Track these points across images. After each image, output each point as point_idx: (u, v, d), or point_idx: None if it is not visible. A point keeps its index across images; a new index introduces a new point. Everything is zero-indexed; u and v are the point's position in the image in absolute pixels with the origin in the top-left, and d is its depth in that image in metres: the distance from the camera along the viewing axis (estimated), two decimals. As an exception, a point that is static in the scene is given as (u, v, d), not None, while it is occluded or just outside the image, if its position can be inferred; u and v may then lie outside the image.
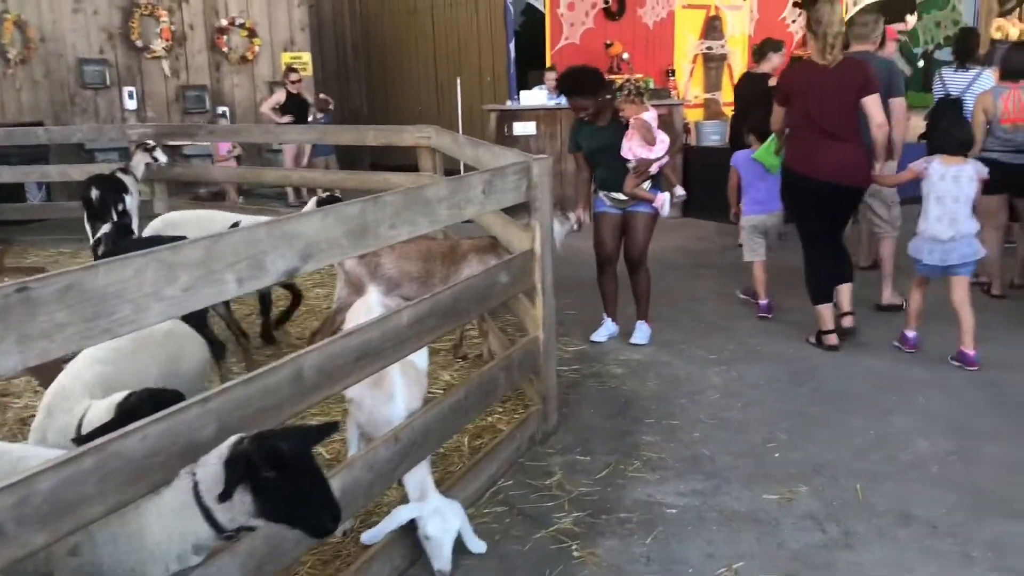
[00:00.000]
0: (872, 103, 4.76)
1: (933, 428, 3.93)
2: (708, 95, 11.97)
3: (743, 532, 3.13)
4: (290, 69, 11.23)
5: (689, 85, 11.83)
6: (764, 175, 5.61)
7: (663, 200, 5.05)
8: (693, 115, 11.32)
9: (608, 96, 5.11)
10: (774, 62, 6.98)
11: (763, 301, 5.80)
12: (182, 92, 12.43)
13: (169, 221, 5.28)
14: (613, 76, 10.71)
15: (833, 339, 5.03)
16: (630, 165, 4.98)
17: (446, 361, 4.98)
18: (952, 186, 4.68)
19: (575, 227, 5.09)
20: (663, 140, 4.99)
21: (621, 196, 5.08)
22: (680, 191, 5.38)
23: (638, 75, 11.27)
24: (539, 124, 9.56)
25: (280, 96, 11.01)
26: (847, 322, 5.18)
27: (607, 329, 5.37)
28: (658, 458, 3.71)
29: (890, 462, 3.62)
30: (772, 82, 7.06)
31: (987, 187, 6.11)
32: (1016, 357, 4.80)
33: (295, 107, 11.05)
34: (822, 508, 3.26)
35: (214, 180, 8.16)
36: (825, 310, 5.06)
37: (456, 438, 3.74)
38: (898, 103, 5.31)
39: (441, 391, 4.48)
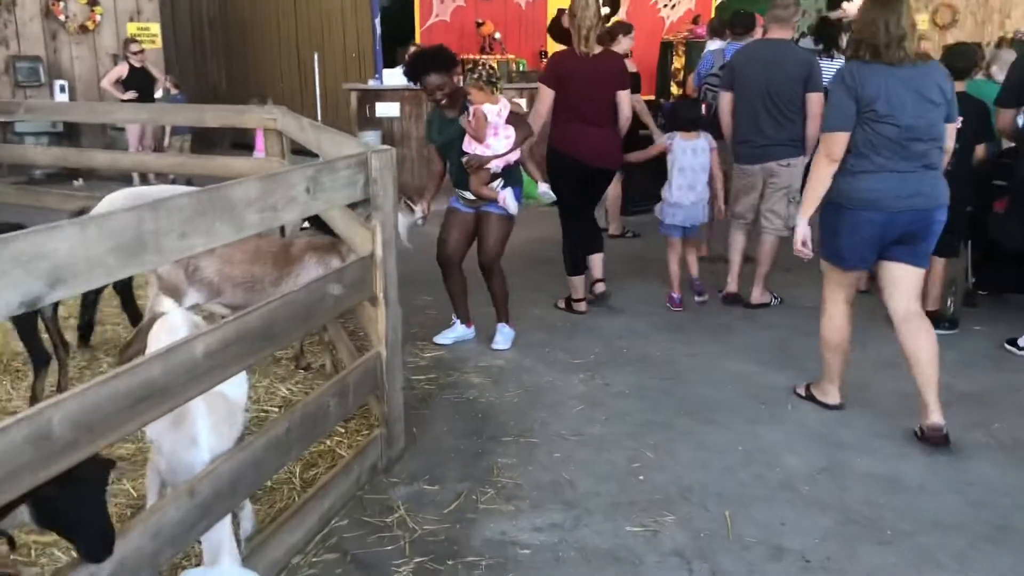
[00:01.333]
0: (624, 97, 5.23)
1: (802, 441, 3.73)
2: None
3: (603, 574, 2.81)
4: (131, 40, 10.33)
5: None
6: None
7: (504, 197, 4.65)
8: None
9: (460, 82, 4.73)
10: (624, 45, 6.74)
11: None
12: (12, 63, 11.27)
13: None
14: (485, 56, 10.31)
15: (583, 306, 5.54)
16: (464, 160, 4.63)
17: (287, 372, 4.48)
18: (692, 158, 5.48)
19: (419, 221, 4.64)
20: (507, 135, 4.61)
21: (470, 195, 4.72)
22: (544, 188, 5.02)
23: (510, 56, 10.94)
24: (403, 105, 9.06)
25: (122, 69, 10.10)
26: (599, 288, 5.65)
27: (455, 332, 4.99)
28: (514, 484, 3.35)
29: (759, 483, 3.38)
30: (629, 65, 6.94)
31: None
32: (869, 358, 4.71)
33: (140, 82, 10.18)
34: (689, 541, 2.98)
35: (34, 163, 7.26)
36: (577, 280, 5.52)
37: (288, 467, 3.28)
38: (815, 98, 5.20)
39: (278, 409, 3.99)
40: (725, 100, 5.53)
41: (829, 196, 3.68)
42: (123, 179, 9.80)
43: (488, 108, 4.54)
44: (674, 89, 13.19)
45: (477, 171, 4.58)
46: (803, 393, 4.19)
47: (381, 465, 3.41)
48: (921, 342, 3.66)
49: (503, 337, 4.92)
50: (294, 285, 3.95)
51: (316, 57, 10.46)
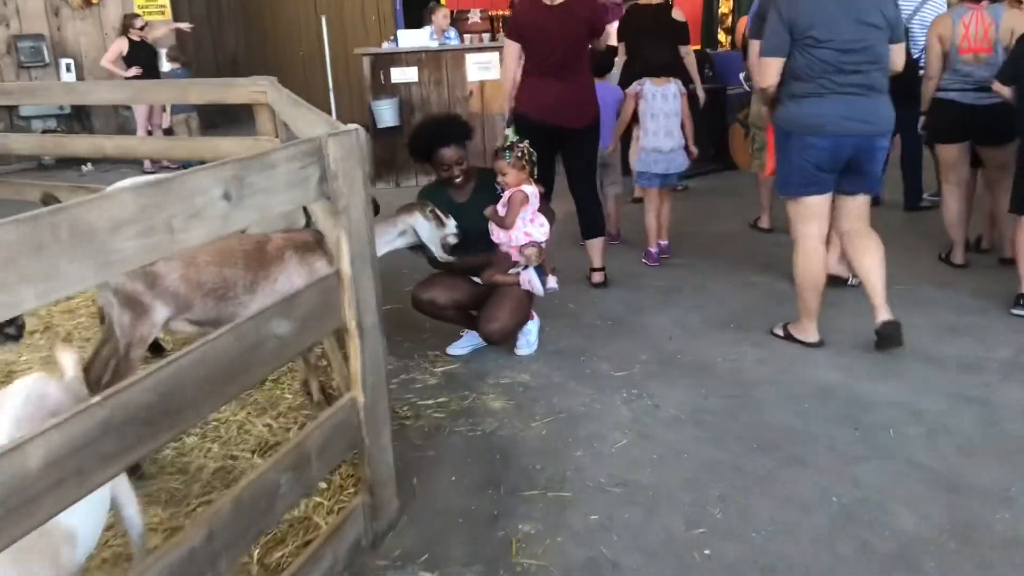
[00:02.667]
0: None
1: (917, 488, 2.86)
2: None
3: None
4: (132, 16, 9.61)
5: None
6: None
7: (528, 279, 3.93)
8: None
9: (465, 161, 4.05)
10: None
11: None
12: (14, 42, 10.64)
13: None
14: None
15: (597, 276, 5.09)
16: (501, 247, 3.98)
17: (269, 400, 3.71)
18: (663, 103, 5.30)
19: (451, 238, 3.76)
20: (542, 223, 3.96)
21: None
22: (553, 283, 4.10)
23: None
24: (421, 69, 8.18)
25: (121, 45, 9.39)
26: (596, 278, 5.08)
27: (470, 340, 4.19)
28: (538, 567, 2.55)
29: (865, 557, 2.53)
30: (676, 15, 6.20)
31: (944, 134, 5.11)
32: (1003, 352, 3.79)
33: (143, 57, 9.47)
34: (777, 662, 2.16)
35: (11, 151, 6.59)
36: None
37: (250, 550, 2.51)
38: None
39: (250, 454, 3.24)
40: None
41: (778, 124, 3.86)
42: (135, 163, 9.19)
43: (528, 189, 3.88)
44: (721, 37, 12.09)
45: (506, 269, 3.96)
46: (781, 333, 4.16)
47: (366, 542, 2.62)
48: (868, 257, 3.89)
49: (527, 340, 4.11)
50: (272, 293, 3.17)
51: (324, 20, 9.60)
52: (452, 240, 3.73)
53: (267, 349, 2.15)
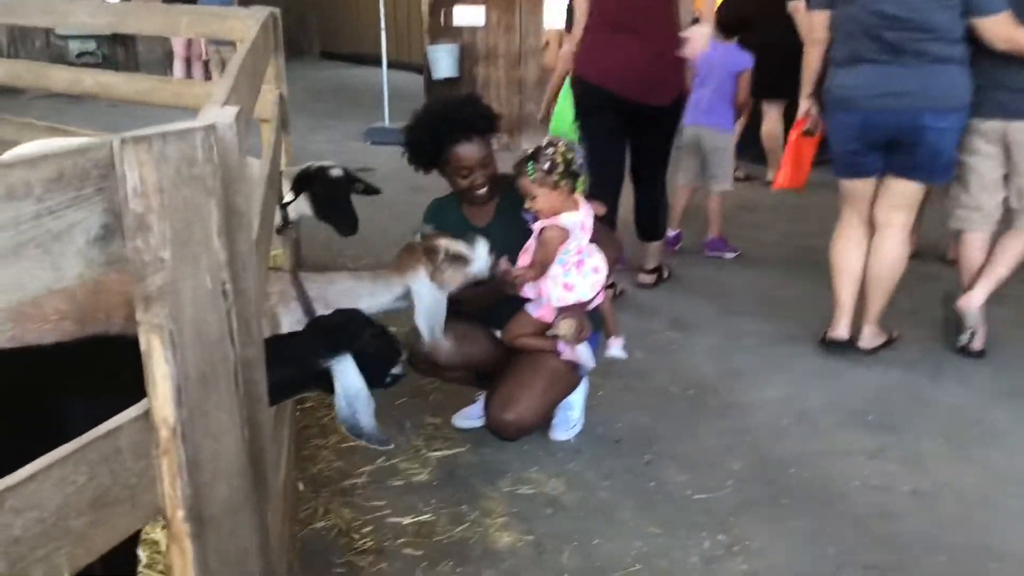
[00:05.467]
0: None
1: None
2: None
3: None
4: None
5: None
6: (708, 76, 4.44)
7: (580, 355, 2.63)
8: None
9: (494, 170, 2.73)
10: None
11: (673, 232, 4.71)
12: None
13: None
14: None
15: (645, 278, 4.27)
16: (529, 307, 2.64)
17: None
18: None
19: (488, 264, 2.46)
20: (595, 267, 2.58)
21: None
22: (616, 347, 2.77)
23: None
24: (490, 11, 6.82)
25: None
26: (645, 279, 4.25)
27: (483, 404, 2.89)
28: None
29: None
30: None
31: None
32: None
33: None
34: None
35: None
36: None
37: None
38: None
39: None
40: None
41: (824, 95, 3.40)
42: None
43: (568, 219, 2.50)
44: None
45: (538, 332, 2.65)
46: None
47: None
48: (878, 257, 3.38)
49: (566, 418, 2.86)
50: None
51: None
52: (486, 273, 2.45)
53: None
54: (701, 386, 3.22)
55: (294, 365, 1.58)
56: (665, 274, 4.34)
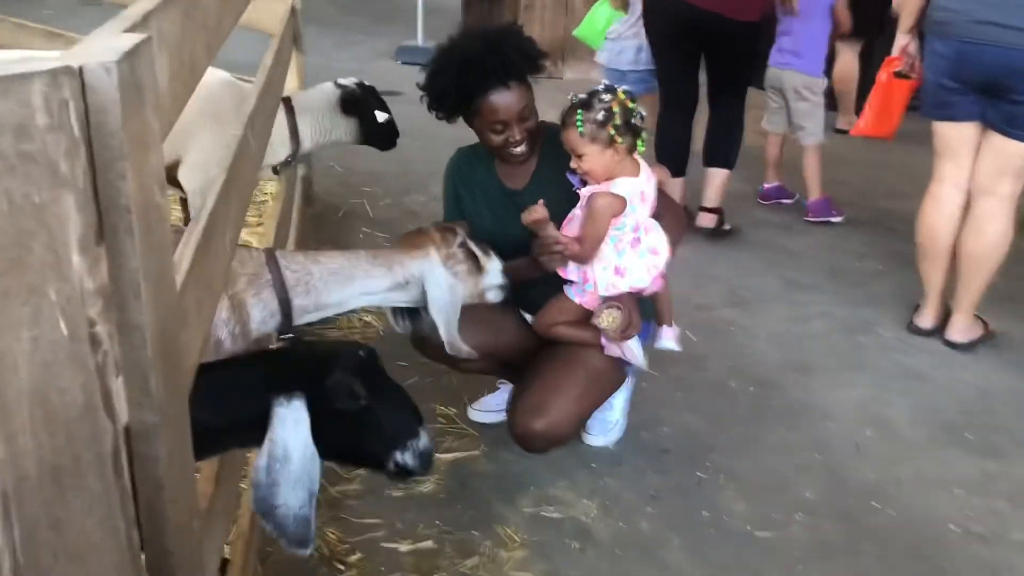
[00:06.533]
0: None
1: None
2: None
3: None
4: None
5: None
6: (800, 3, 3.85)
7: (628, 351, 2.13)
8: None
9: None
10: None
11: (769, 184, 4.26)
12: None
13: None
14: None
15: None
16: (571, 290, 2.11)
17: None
18: None
19: (492, 293, 1.94)
20: (652, 247, 2.04)
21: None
22: (669, 338, 2.19)
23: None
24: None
25: None
26: (703, 221, 3.83)
27: (506, 394, 2.41)
28: None
29: None
30: None
31: None
32: None
33: None
34: None
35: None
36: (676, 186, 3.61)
37: None
38: None
39: None
40: None
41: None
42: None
43: (624, 186, 1.97)
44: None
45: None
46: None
47: None
48: (976, 231, 2.84)
49: (604, 421, 2.40)
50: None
51: None
52: (495, 296, 1.94)
53: None
54: (764, 382, 2.73)
55: (219, 405, 1.11)
56: (726, 225, 3.85)
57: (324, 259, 1.74)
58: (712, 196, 3.80)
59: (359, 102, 2.90)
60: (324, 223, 3.70)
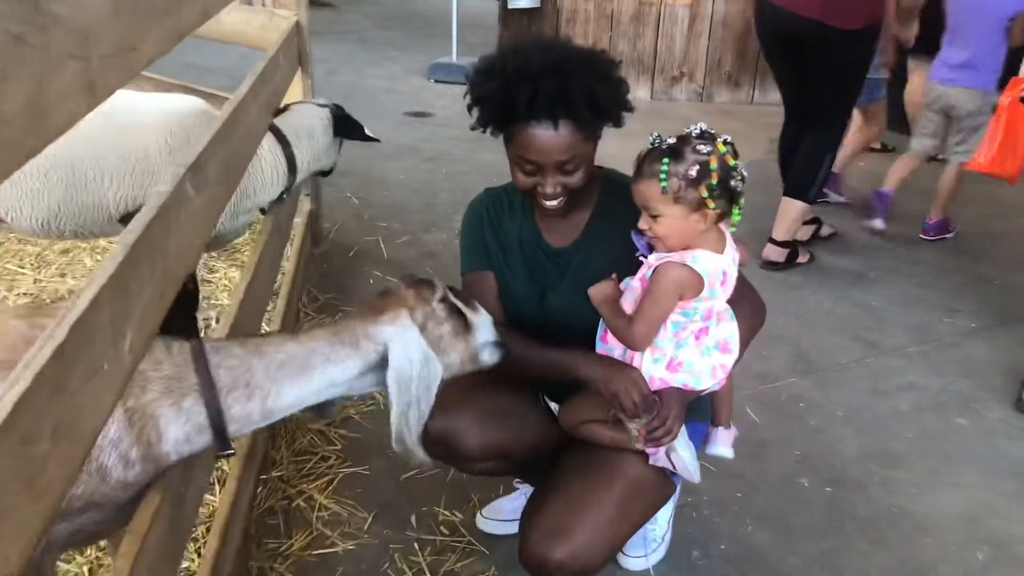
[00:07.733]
0: None
1: None
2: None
3: None
4: None
5: None
6: (969, 22, 3.51)
7: (679, 460, 1.63)
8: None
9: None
10: None
11: (884, 189, 3.83)
12: None
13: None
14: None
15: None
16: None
17: None
18: None
19: (488, 353, 1.47)
20: (722, 339, 1.58)
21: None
22: (725, 443, 1.73)
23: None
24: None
25: None
26: (770, 253, 3.46)
27: (523, 503, 1.91)
28: None
29: None
30: None
31: None
32: None
33: None
34: None
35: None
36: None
37: None
38: None
39: None
40: None
41: None
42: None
43: (704, 262, 1.51)
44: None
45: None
46: None
47: None
48: None
49: (644, 540, 1.91)
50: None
51: None
52: (490, 356, 1.48)
53: None
54: (842, 480, 2.23)
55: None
56: (804, 258, 3.53)
57: (270, 348, 1.30)
58: (782, 229, 3.46)
59: (349, 123, 2.62)
60: (331, 265, 3.27)
